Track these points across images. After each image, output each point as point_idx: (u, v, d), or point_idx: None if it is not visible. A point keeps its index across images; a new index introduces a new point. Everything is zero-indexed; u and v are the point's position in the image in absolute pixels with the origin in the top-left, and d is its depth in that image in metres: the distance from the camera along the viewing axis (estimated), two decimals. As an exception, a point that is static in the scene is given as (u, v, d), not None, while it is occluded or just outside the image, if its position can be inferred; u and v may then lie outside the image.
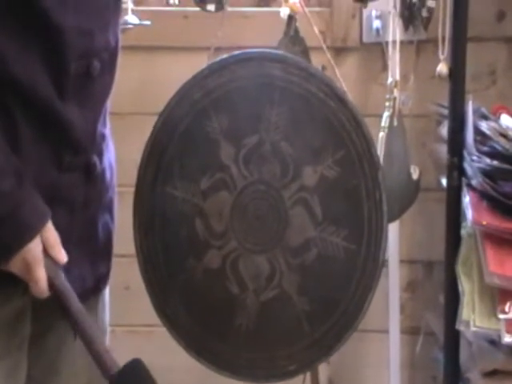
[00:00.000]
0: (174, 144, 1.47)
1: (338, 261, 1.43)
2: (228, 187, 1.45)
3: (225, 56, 1.49)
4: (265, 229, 1.45)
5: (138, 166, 1.50)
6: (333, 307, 1.45)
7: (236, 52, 1.49)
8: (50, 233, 1.17)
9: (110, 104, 1.32)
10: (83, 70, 1.21)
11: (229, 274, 1.47)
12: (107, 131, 1.32)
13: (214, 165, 1.46)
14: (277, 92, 1.43)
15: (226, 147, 1.45)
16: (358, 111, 1.45)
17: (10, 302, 1.21)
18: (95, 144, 1.26)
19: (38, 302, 1.23)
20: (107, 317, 1.42)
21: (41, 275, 1.16)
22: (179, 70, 2.09)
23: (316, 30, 1.80)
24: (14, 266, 1.16)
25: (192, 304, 1.50)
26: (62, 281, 1.18)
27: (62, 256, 1.18)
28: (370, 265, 1.43)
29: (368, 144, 1.43)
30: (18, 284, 1.18)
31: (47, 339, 1.30)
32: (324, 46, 1.82)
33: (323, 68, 1.87)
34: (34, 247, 1.15)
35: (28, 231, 1.14)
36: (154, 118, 1.51)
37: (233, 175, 1.45)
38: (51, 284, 1.17)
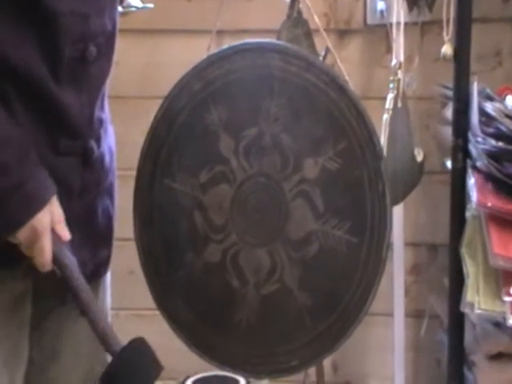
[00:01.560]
0: (173, 136, 1.45)
1: (340, 254, 1.41)
2: (228, 180, 1.44)
3: (224, 47, 1.47)
4: (265, 222, 1.43)
5: (138, 159, 1.48)
6: (335, 302, 1.43)
7: (235, 43, 1.46)
8: (56, 208, 1.18)
9: (108, 88, 1.31)
10: (79, 54, 1.20)
11: (229, 268, 1.45)
12: (105, 116, 1.31)
13: (214, 157, 1.44)
14: (276, 83, 1.41)
15: (226, 139, 1.43)
16: (359, 100, 1.41)
17: (10, 285, 1.21)
18: (92, 129, 1.26)
19: (38, 285, 1.23)
20: (108, 301, 1.42)
21: (47, 245, 1.17)
22: (182, 53, 2.09)
23: (314, 13, 1.79)
24: (22, 236, 1.16)
25: (192, 298, 1.49)
26: (67, 255, 1.19)
27: (66, 233, 1.19)
28: (373, 258, 1.41)
29: (370, 134, 1.40)
30: (18, 267, 1.18)
31: (48, 323, 1.30)
32: (322, 31, 1.81)
33: (327, 50, 1.87)
34: (43, 217, 1.16)
35: (37, 201, 1.15)
36: (158, 102, 1.50)
37: (232, 168, 1.43)
38: (55, 258, 1.18)
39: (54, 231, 1.18)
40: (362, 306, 1.43)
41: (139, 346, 1.18)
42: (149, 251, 1.49)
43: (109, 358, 1.39)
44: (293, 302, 1.44)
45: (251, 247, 1.45)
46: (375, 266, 1.42)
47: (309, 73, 1.41)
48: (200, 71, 1.45)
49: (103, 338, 1.18)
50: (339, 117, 1.41)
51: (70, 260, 1.19)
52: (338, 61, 1.80)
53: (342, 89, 1.41)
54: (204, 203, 1.45)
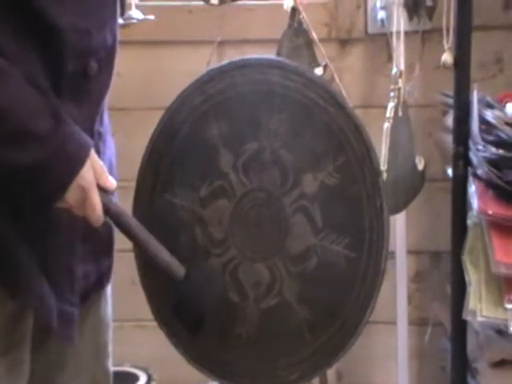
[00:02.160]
0: (173, 150, 1.47)
1: (339, 269, 1.42)
2: (227, 195, 1.45)
3: (225, 62, 1.48)
4: (265, 236, 1.45)
5: (137, 173, 1.49)
6: (334, 316, 1.44)
7: (235, 58, 1.48)
8: (96, 162, 1.19)
9: (107, 100, 1.32)
10: (80, 69, 1.20)
11: (229, 282, 1.47)
12: (103, 128, 1.31)
13: (213, 172, 1.45)
14: (276, 99, 1.42)
15: (226, 154, 1.45)
16: (357, 116, 1.43)
17: (10, 301, 1.21)
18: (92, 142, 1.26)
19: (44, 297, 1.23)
20: (110, 312, 1.42)
21: (96, 200, 1.18)
22: (184, 64, 2.10)
23: (311, 25, 1.80)
24: (71, 198, 1.17)
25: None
26: (116, 204, 1.21)
27: (111, 183, 1.20)
28: (371, 272, 1.43)
29: (368, 150, 1.43)
30: (18, 284, 1.19)
31: (50, 335, 1.30)
32: (318, 43, 1.82)
33: (326, 66, 1.87)
34: (86, 173, 1.17)
35: (78, 160, 1.16)
36: (160, 113, 1.51)
37: (232, 183, 1.45)
38: (107, 209, 1.20)
39: (98, 185, 1.19)
40: (360, 318, 1.45)
41: (202, 271, 1.22)
42: (148, 265, 1.50)
43: (109, 367, 1.41)
44: (292, 316, 1.45)
45: (250, 262, 1.46)
46: (373, 280, 1.44)
47: (308, 89, 1.43)
48: (200, 85, 1.46)
49: (167, 268, 1.21)
50: (338, 133, 1.42)
51: (120, 207, 1.22)
52: (335, 75, 1.81)
53: (340, 105, 1.43)
54: (204, 218, 1.46)
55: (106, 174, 1.20)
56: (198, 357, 1.50)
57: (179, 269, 1.20)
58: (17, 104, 1.13)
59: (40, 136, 1.13)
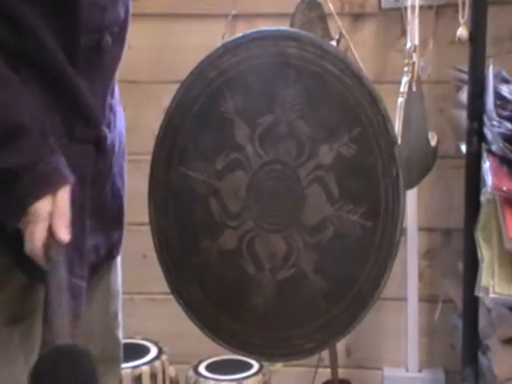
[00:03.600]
0: (189, 124, 1.45)
1: (354, 238, 1.42)
2: (243, 167, 1.44)
3: (239, 35, 1.47)
4: (281, 208, 1.44)
5: (153, 147, 1.48)
6: (349, 286, 1.44)
7: (250, 31, 1.46)
8: (63, 206, 1.14)
9: (118, 73, 1.31)
10: (95, 43, 1.20)
11: (245, 254, 1.46)
12: (114, 101, 1.31)
13: (229, 145, 1.44)
14: (292, 70, 1.41)
15: (241, 127, 1.43)
16: (373, 87, 1.42)
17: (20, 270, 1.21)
18: (104, 116, 1.26)
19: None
20: (119, 283, 1.43)
21: (38, 232, 1.12)
22: (196, 38, 2.09)
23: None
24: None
25: (208, 285, 1.50)
26: (58, 256, 1.13)
27: (62, 232, 1.13)
28: (387, 242, 1.42)
29: (384, 120, 1.41)
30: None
31: None
32: (336, 15, 1.80)
33: (340, 35, 1.85)
34: (43, 205, 1.12)
35: (47, 186, 1.12)
36: (171, 86, 1.50)
37: (248, 155, 1.43)
38: (47, 255, 1.13)
39: (51, 226, 1.13)
40: (375, 289, 1.44)
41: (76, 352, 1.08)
42: (164, 238, 1.50)
43: (120, 336, 1.40)
44: (308, 287, 1.45)
45: (267, 233, 1.45)
46: (389, 250, 1.43)
47: (324, 60, 1.41)
48: (215, 59, 1.45)
49: (50, 333, 1.09)
50: (354, 103, 1.41)
51: (59, 262, 1.13)
52: (352, 46, 1.80)
53: (356, 76, 1.42)
54: (219, 190, 1.45)
55: (64, 221, 1.13)
56: (215, 329, 1.50)
57: (64, 339, 1.08)
58: (10, 112, 1.11)
59: (24, 148, 1.11)
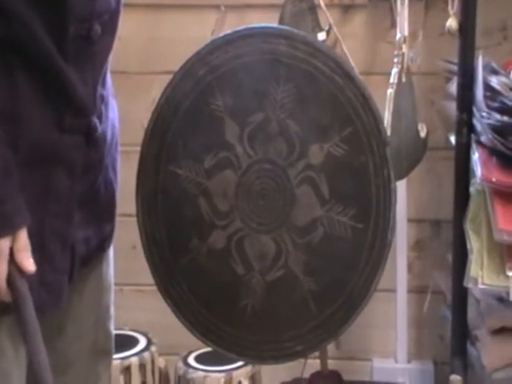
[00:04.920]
0: (178, 122, 1.44)
1: (345, 240, 1.41)
2: (233, 166, 1.43)
3: (229, 31, 1.45)
4: (270, 208, 1.43)
5: (141, 144, 1.47)
6: (340, 287, 1.43)
7: (240, 27, 1.45)
8: (22, 238, 1.16)
9: (110, 63, 1.31)
10: (84, 33, 1.20)
11: (234, 255, 1.45)
12: (106, 92, 1.30)
13: (219, 143, 1.43)
14: (282, 68, 1.40)
15: (231, 125, 1.42)
16: (365, 86, 1.41)
17: None
18: (95, 106, 1.25)
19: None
20: (111, 275, 1.42)
21: (1, 269, 1.15)
22: (187, 29, 2.08)
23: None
24: None
25: (197, 285, 1.49)
26: (23, 287, 1.17)
27: (28, 264, 1.17)
28: (378, 244, 1.41)
29: (376, 120, 1.40)
30: None
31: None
32: (324, 8, 1.80)
33: (329, 31, 1.85)
34: (2, 242, 1.15)
35: (3, 227, 1.14)
36: (162, 77, 1.49)
37: (237, 154, 1.43)
38: (12, 287, 1.17)
39: (15, 261, 1.16)
40: (366, 291, 1.44)
41: None
42: (152, 237, 1.49)
43: (111, 329, 1.40)
44: (298, 288, 1.44)
45: (256, 233, 1.45)
46: (380, 252, 1.42)
47: (315, 59, 1.40)
48: (204, 56, 1.44)
49: (37, 373, 1.15)
50: (345, 103, 1.40)
51: (24, 291, 1.17)
52: (340, 38, 1.79)
53: (348, 75, 1.41)
54: (209, 189, 1.44)
55: (27, 254, 1.17)
56: (203, 329, 1.50)
57: (47, 376, 1.15)
58: None
59: None
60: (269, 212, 1.43)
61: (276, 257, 1.44)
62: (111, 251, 1.41)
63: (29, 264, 1.17)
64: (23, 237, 1.16)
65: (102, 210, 1.33)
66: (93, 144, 1.25)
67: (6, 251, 1.15)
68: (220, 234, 1.45)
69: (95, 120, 1.25)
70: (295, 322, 1.46)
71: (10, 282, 1.17)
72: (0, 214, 1.13)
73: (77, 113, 1.22)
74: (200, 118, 1.43)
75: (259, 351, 1.49)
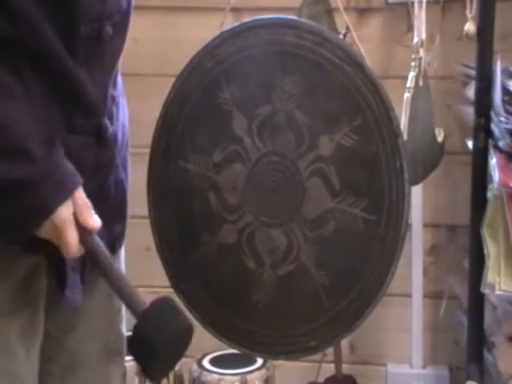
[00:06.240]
0: (186, 116, 1.43)
1: (357, 233, 1.38)
2: (242, 159, 1.41)
3: (236, 24, 1.44)
4: (280, 201, 1.41)
5: (151, 141, 1.47)
6: (353, 281, 1.40)
7: (247, 19, 1.44)
8: (80, 198, 1.18)
9: (121, 64, 1.30)
10: (95, 33, 1.19)
11: (245, 249, 1.43)
12: (117, 92, 1.30)
13: (227, 137, 1.41)
14: (290, 59, 1.38)
15: (239, 118, 1.41)
16: (375, 75, 1.38)
17: (24, 258, 1.22)
18: (106, 107, 1.25)
19: (54, 257, 1.23)
20: None
21: (70, 239, 1.17)
22: (199, 31, 2.07)
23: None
24: (45, 232, 1.16)
25: (208, 280, 1.47)
26: (97, 243, 1.20)
27: (93, 222, 1.19)
28: (391, 236, 1.38)
29: (387, 109, 1.37)
30: (33, 240, 1.18)
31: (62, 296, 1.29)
32: (342, 9, 1.79)
33: (347, 29, 1.84)
34: (63, 210, 1.15)
35: (64, 191, 1.15)
36: (174, 80, 1.49)
37: (246, 147, 1.41)
38: (86, 248, 1.19)
39: (79, 222, 1.18)
40: (380, 284, 1.40)
41: (162, 305, 1.19)
42: (163, 233, 1.48)
43: (123, 330, 1.41)
44: (310, 282, 1.42)
45: (266, 227, 1.43)
46: (393, 244, 1.38)
47: (323, 48, 1.38)
48: (212, 49, 1.43)
49: (129, 303, 1.19)
50: (355, 92, 1.37)
51: (100, 247, 1.20)
52: (357, 40, 1.78)
53: (357, 64, 1.38)
54: (218, 183, 1.43)
55: (89, 213, 1.19)
56: (216, 324, 1.48)
57: (139, 306, 1.19)
58: (15, 122, 1.12)
59: (32, 158, 1.13)
60: (279, 205, 1.42)
61: (287, 251, 1.42)
62: (122, 252, 1.41)
63: (94, 222, 1.18)
64: (80, 197, 1.17)
65: (112, 211, 1.33)
66: (103, 145, 1.25)
67: (70, 217, 1.16)
68: (231, 228, 1.44)
69: (106, 121, 1.25)
70: (308, 316, 1.43)
71: (82, 242, 1.18)
72: (52, 184, 1.14)
73: (87, 114, 1.21)
74: (208, 112, 1.43)
75: (272, 346, 1.47)
